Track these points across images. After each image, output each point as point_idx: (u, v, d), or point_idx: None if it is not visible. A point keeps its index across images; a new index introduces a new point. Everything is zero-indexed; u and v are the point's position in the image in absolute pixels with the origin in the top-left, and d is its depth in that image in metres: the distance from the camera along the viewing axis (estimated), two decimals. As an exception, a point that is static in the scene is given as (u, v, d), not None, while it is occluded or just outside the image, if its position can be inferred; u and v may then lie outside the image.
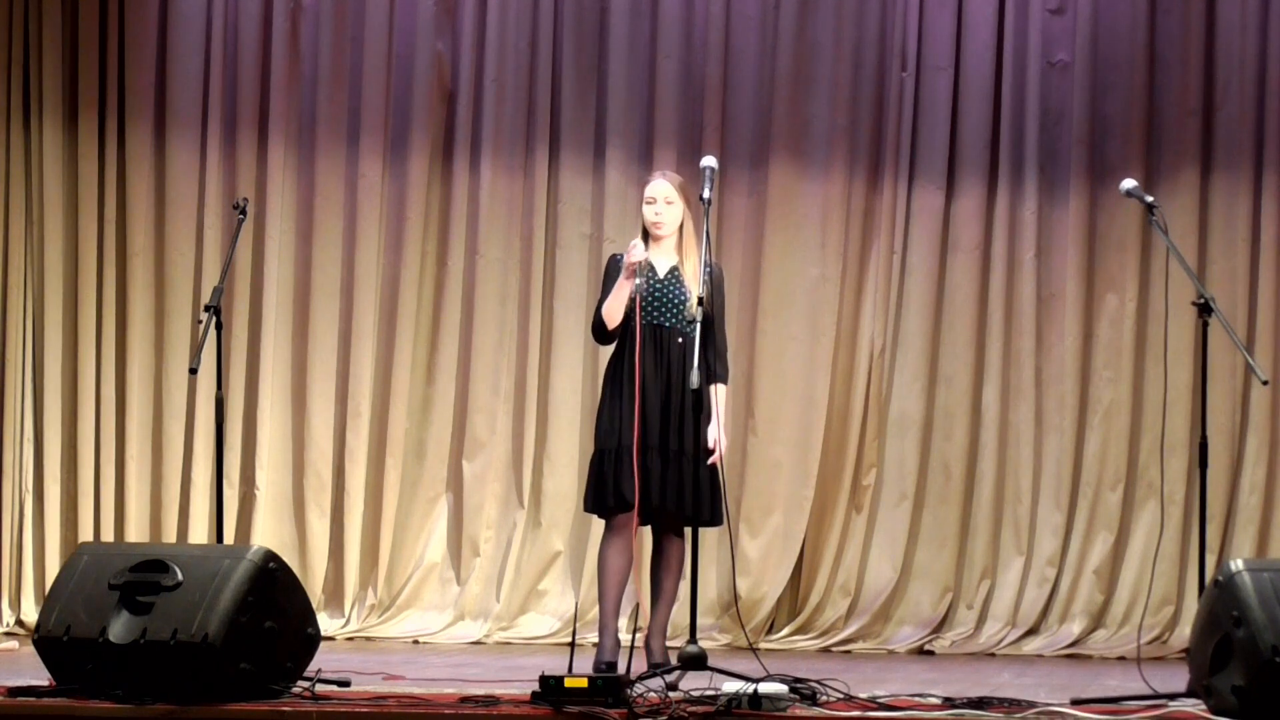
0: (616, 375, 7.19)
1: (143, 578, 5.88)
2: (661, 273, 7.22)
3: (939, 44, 9.36)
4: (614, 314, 7.13)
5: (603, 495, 7.13)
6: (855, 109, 9.42)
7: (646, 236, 7.25)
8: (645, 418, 7.10)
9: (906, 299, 9.39)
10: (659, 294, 7.19)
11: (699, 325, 6.64)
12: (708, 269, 6.93)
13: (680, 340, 7.15)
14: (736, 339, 9.36)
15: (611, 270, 7.24)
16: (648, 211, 7.23)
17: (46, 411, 9.42)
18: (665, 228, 7.21)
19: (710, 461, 7.08)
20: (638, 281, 7.12)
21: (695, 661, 6.33)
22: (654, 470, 7.10)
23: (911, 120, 9.36)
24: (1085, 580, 9.23)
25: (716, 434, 7.09)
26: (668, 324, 7.18)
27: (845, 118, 9.40)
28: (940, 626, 9.26)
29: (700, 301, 6.70)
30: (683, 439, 7.11)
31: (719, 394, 7.12)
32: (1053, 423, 9.30)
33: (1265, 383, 7.11)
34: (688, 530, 7.03)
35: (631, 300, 7.12)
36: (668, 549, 7.25)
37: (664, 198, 7.22)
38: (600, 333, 7.21)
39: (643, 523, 7.20)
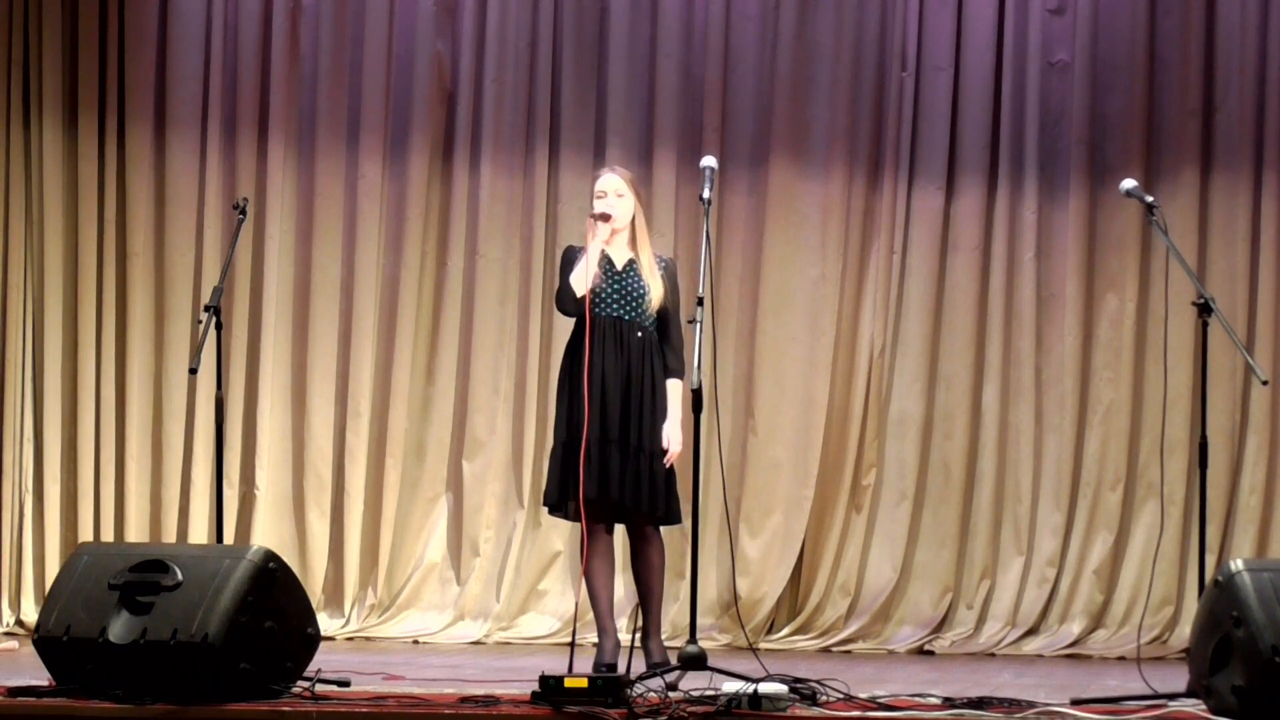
0: (574, 368, 7.18)
1: (143, 578, 5.88)
2: (619, 266, 7.22)
3: (939, 44, 9.37)
4: (583, 278, 7.10)
5: (565, 489, 7.11)
6: (855, 109, 9.42)
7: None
8: (605, 412, 7.10)
9: (906, 299, 9.39)
10: (618, 287, 7.19)
11: (699, 325, 6.63)
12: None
13: (640, 334, 7.16)
14: (736, 339, 9.38)
15: (569, 258, 7.23)
16: (599, 206, 7.20)
17: (46, 411, 9.43)
18: (617, 221, 7.20)
19: (667, 460, 7.09)
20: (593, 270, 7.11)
21: (695, 661, 6.33)
22: (613, 465, 7.09)
23: (911, 120, 9.36)
24: (1085, 580, 9.23)
25: (671, 432, 7.10)
26: (627, 317, 7.18)
27: (845, 118, 9.40)
28: (940, 626, 9.26)
29: (700, 301, 6.69)
30: (642, 434, 7.10)
31: (674, 390, 7.14)
32: (1053, 423, 9.30)
33: (1265, 383, 7.10)
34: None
35: (588, 294, 7.11)
36: (645, 549, 7.22)
37: (614, 191, 7.21)
38: (566, 299, 7.16)
39: (602, 518, 7.18)
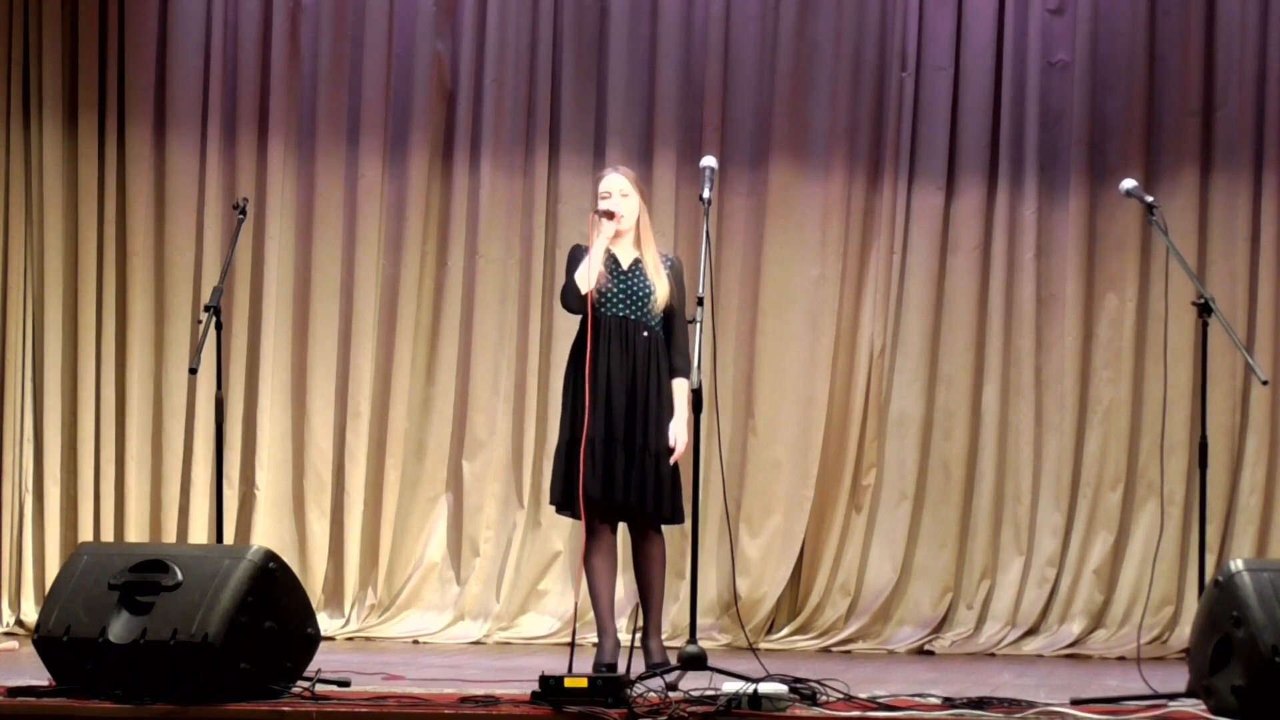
0: (580, 367, 7.18)
1: (143, 578, 5.88)
2: (624, 265, 7.22)
3: (939, 44, 9.37)
4: (587, 276, 7.10)
5: (570, 488, 7.11)
6: (855, 109, 9.42)
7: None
8: (610, 411, 7.10)
9: (906, 299, 9.39)
10: (623, 287, 7.18)
11: (699, 325, 6.63)
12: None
13: (645, 334, 7.16)
14: (736, 339, 9.38)
15: (575, 256, 7.23)
16: (604, 206, 7.18)
17: (46, 411, 9.43)
18: (623, 221, 7.20)
19: (672, 459, 7.08)
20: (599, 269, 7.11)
21: (695, 661, 6.33)
22: (618, 465, 7.09)
23: (911, 120, 9.36)
24: (1085, 580, 9.23)
25: (677, 431, 7.10)
26: (633, 317, 7.17)
27: (845, 118, 9.40)
28: (940, 626, 9.26)
29: (700, 301, 6.69)
30: (647, 434, 7.10)
31: (680, 389, 7.14)
32: (1053, 423, 9.30)
33: (1265, 383, 7.11)
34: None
35: (593, 293, 7.10)
36: (647, 548, 7.21)
37: (619, 191, 7.20)
38: (571, 297, 7.14)
39: (607, 518, 7.18)
